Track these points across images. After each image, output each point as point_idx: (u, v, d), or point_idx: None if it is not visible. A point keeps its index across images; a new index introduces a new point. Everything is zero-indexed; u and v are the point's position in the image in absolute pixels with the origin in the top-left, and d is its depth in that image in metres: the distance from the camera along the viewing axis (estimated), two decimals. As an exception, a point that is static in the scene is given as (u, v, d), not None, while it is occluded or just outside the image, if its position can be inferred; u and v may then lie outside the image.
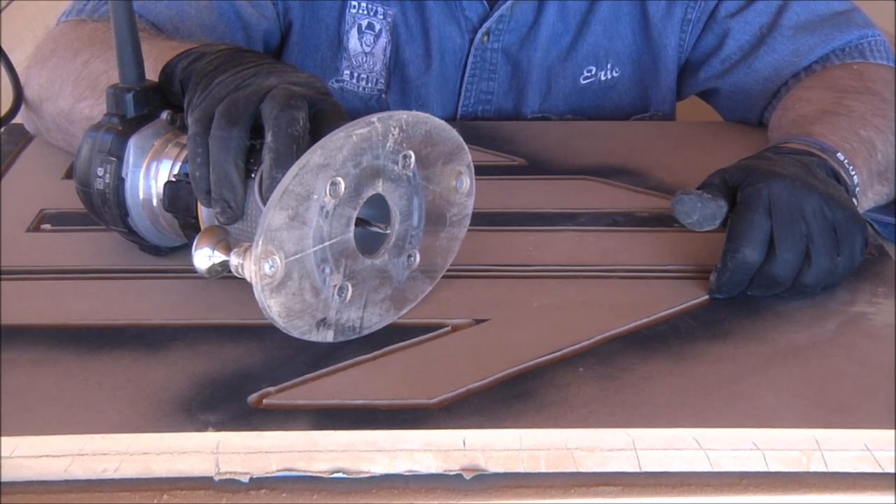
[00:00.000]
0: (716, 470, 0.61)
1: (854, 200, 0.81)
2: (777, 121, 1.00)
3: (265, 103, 0.67)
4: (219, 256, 0.65)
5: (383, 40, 1.11)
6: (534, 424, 0.61)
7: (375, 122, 0.66)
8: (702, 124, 1.16)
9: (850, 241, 0.74)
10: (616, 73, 1.15)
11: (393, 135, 0.67)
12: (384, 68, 1.12)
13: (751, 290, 0.75)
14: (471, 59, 1.12)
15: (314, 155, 0.63)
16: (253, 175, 0.68)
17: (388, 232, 0.71)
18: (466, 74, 1.13)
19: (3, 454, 0.59)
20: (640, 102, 1.17)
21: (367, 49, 1.11)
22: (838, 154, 0.83)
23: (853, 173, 0.83)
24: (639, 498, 0.59)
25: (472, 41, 1.11)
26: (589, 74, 1.15)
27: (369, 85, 1.13)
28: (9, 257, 0.80)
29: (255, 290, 0.63)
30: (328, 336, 0.68)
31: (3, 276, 0.77)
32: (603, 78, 1.15)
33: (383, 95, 1.13)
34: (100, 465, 0.60)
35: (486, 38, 1.11)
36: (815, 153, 0.82)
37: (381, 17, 1.10)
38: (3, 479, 0.59)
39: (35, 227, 0.85)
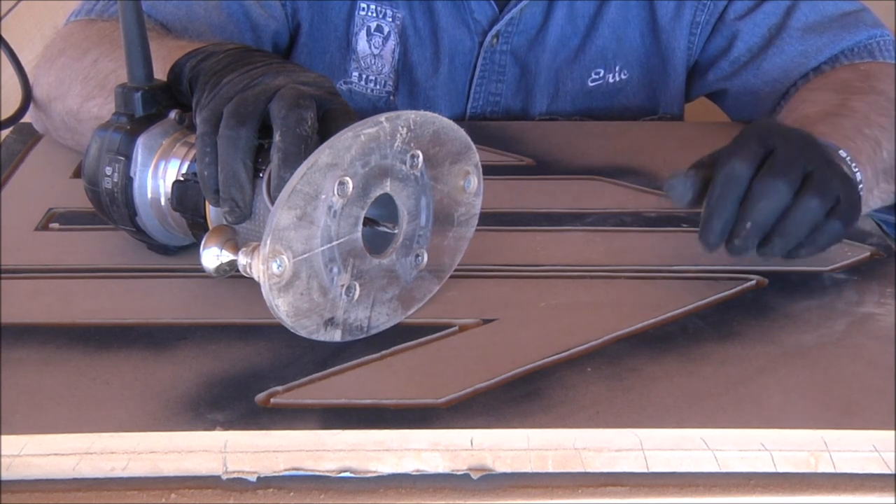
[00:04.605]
0: (724, 470, 0.60)
1: None
2: (782, 122, 1.00)
3: (274, 103, 0.67)
4: (227, 256, 0.65)
5: (392, 42, 1.11)
6: (541, 424, 0.61)
7: (384, 122, 0.66)
8: (710, 125, 1.15)
9: (846, 206, 0.72)
10: (624, 75, 1.15)
11: (401, 134, 0.67)
12: (392, 70, 1.12)
13: (736, 235, 0.72)
14: (480, 61, 1.12)
15: (322, 154, 0.63)
16: (261, 174, 0.68)
17: (396, 231, 0.71)
18: (476, 76, 1.13)
19: (12, 452, 0.59)
20: (648, 104, 1.17)
21: (376, 51, 1.11)
22: (840, 151, 0.82)
23: (856, 170, 0.82)
24: (646, 498, 0.59)
25: (481, 43, 1.11)
26: (597, 77, 1.14)
27: (377, 87, 1.13)
28: (17, 256, 0.80)
29: (263, 289, 0.63)
30: (336, 335, 0.68)
31: (12, 276, 0.77)
32: (611, 80, 1.15)
33: (391, 97, 1.13)
34: (108, 463, 0.60)
35: (495, 40, 1.11)
36: None
37: (390, 19, 1.10)
38: (11, 478, 0.59)
39: (43, 226, 0.85)
